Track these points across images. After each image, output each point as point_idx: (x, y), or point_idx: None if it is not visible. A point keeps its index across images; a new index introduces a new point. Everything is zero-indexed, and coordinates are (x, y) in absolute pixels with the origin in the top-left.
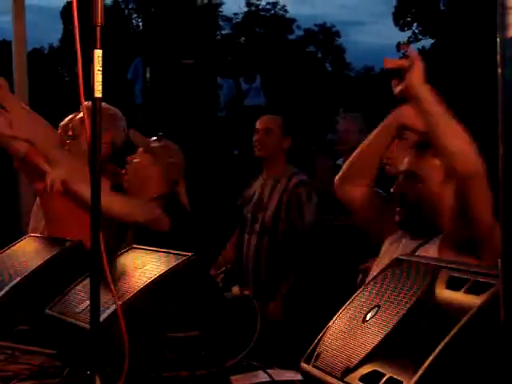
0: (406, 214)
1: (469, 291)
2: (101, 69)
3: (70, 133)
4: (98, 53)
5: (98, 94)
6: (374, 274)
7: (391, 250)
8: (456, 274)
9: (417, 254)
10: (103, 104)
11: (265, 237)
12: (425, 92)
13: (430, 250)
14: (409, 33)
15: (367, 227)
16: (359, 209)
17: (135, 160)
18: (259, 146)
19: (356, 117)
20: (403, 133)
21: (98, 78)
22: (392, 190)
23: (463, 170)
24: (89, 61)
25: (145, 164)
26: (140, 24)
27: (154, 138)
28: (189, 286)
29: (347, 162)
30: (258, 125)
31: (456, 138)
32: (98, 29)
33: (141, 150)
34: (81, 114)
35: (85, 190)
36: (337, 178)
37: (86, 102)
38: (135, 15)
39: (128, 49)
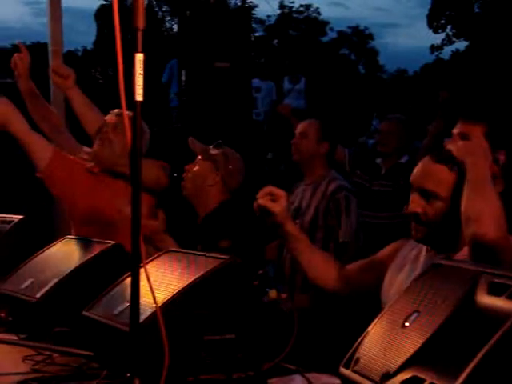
0: (425, 230)
1: (510, 297)
2: (142, 72)
3: (102, 135)
4: (140, 56)
5: (139, 97)
6: (389, 289)
7: (406, 262)
8: (497, 280)
9: None
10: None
11: None
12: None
13: None
14: (443, 35)
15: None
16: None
17: (195, 168)
18: (295, 150)
19: (400, 120)
20: (469, 135)
21: (139, 81)
22: (406, 208)
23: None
24: (124, 64)
25: (205, 172)
26: (173, 26)
27: (213, 145)
28: (226, 289)
29: None
30: (296, 129)
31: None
32: (140, 32)
33: (199, 157)
34: (110, 118)
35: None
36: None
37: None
38: (168, 18)
39: (162, 51)
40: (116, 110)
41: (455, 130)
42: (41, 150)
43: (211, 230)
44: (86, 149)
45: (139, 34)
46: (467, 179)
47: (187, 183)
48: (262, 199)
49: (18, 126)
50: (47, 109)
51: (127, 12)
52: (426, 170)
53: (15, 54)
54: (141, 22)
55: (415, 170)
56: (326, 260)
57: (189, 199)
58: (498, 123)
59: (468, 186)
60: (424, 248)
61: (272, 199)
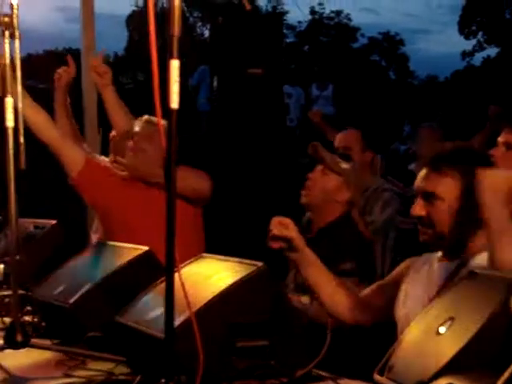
0: (432, 233)
1: None
2: (177, 79)
3: (131, 144)
4: (175, 63)
5: (175, 105)
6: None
7: (421, 275)
8: None
9: (460, 276)
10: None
11: None
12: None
13: None
14: (474, 41)
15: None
16: None
17: (328, 182)
18: None
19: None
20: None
21: (175, 88)
22: (411, 211)
23: None
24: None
25: (337, 188)
26: (205, 32)
27: (339, 156)
28: (259, 295)
29: None
30: (336, 143)
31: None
32: (175, 39)
33: (323, 167)
34: (142, 127)
35: None
36: None
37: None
38: (200, 23)
39: (193, 57)
40: (145, 117)
41: (501, 139)
42: (73, 158)
43: (328, 244)
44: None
45: (175, 41)
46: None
47: (312, 193)
48: (276, 229)
49: (51, 133)
50: (72, 124)
51: (158, 18)
52: (427, 174)
53: (62, 68)
54: (176, 29)
55: (419, 175)
56: (341, 292)
57: (307, 208)
58: None
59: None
60: (435, 259)
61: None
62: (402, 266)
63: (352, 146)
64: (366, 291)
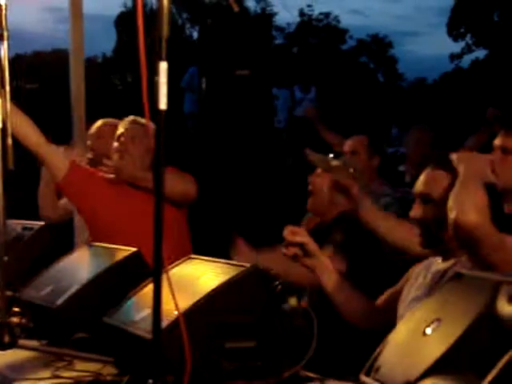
0: (428, 235)
1: None
2: (165, 81)
3: (116, 145)
4: (164, 65)
5: (163, 106)
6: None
7: (420, 279)
8: None
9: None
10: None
11: None
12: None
13: None
14: (462, 44)
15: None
16: None
17: (323, 182)
18: None
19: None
20: (507, 147)
21: (163, 89)
22: (410, 214)
23: None
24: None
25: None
26: (193, 34)
27: (331, 155)
28: (247, 297)
29: None
30: (345, 147)
31: None
32: (164, 41)
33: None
34: (128, 128)
35: None
36: None
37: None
38: (188, 25)
39: (181, 58)
40: (131, 118)
41: (497, 143)
42: (57, 163)
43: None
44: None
45: (163, 43)
46: (457, 179)
47: (313, 196)
48: (289, 237)
49: (34, 139)
50: None
51: (147, 19)
52: (424, 176)
53: None
54: (165, 31)
55: (418, 180)
56: (356, 298)
57: (313, 212)
58: None
59: (456, 183)
60: (434, 262)
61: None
62: (409, 272)
63: (358, 150)
64: (380, 298)
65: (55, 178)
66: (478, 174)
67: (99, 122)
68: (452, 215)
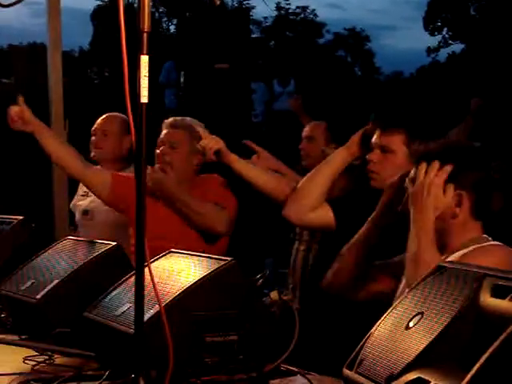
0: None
1: None
2: (147, 74)
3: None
4: (145, 58)
5: (144, 99)
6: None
7: None
8: (501, 282)
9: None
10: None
11: (313, 245)
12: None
13: None
14: (439, 37)
15: None
16: None
17: None
18: (304, 155)
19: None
20: (390, 146)
21: (144, 83)
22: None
23: None
24: (120, 65)
25: None
26: (170, 27)
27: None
28: (228, 290)
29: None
30: (303, 133)
31: None
32: (145, 35)
33: None
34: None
35: None
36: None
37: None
38: (165, 19)
39: (159, 52)
40: (170, 121)
41: (374, 141)
42: (101, 181)
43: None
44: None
45: (144, 36)
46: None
47: None
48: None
49: (74, 165)
50: None
51: (125, 13)
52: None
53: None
54: (146, 24)
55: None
56: None
57: None
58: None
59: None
60: None
61: None
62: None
63: (315, 135)
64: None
65: (101, 196)
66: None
67: (104, 117)
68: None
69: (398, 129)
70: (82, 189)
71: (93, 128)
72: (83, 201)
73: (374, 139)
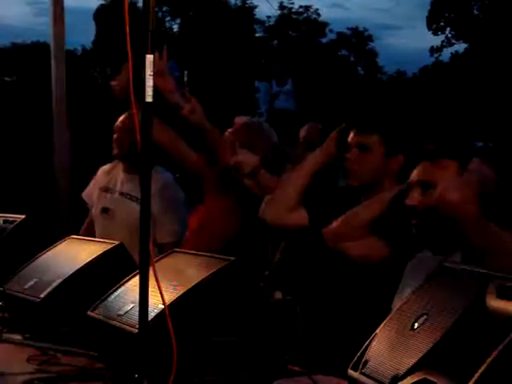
0: (422, 225)
1: None
2: (152, 73)
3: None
4: (150, 58)
5: (149, 98)
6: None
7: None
8: (507, 284)
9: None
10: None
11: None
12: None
13: None
14: (442, 37)
15: None
16: None
17: None
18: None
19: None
20: (367, 145)
21: (149, 82)
22: (406, 201)
23: None
24: (123, 64)
25: None
26: (173, 26)
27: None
28: (232, 291)
29: None
30: (300, 134)
31: None
32: (150, 34)
33: None
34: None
35: None
36: None
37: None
38: (168, 18)
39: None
40: (242, 121)
41: (351, 140)
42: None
43: None
44: None
45: (150, 36)
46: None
47: None
48: None
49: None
50: None
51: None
52: (425, 165)
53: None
54: (151, 24)
55: (414, 170)
56: None
57: None
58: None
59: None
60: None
61: None
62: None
63: (313, 138)
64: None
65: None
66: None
67: (126, 115)
68: (436, 193)
69: (374, 130)
70: (100, 181)
71: (115, 125)
72: (103, 197)
73: (350, 138)
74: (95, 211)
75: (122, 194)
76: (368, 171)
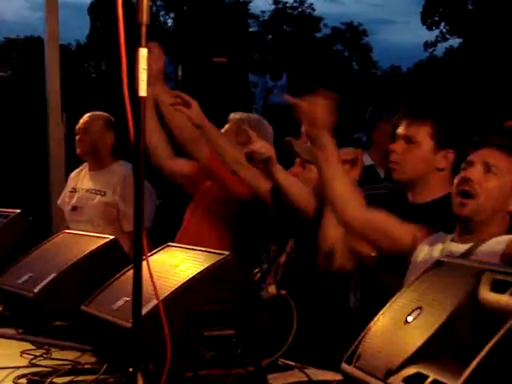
0: (473, 205)
1: None
2: (145, 67)
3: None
4: (143, 51)
5: (143, 93)
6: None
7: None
8: (500, 277)
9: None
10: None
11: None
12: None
13: (492, 257)
14: (436, 32)
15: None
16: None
17: (308, 173)
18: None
19: None
20: (414, 137)
21: (143, 76)
22: (462, 175)
23: None
24: (117, 59)
25: (315, 177)
26: (168, 21)
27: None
28: (226, 285)
29: None
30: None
31: None
32: (144, 27)
33: (298, 160)
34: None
35: None
36: None
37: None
38: (163, 12)
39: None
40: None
41: (400, 132)
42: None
43: None
44: None
45: (143, 29)
46: None
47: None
48: None
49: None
50: None
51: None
52: (492, 149)
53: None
54: (145, 17)
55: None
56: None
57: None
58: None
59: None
60: (448, 239)
61: None
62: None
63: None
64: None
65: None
66: None
67: (86, 116)
68: None
69: (426, 120)
70: (69, 185)
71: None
72: (71, 197)
73: (399, 129)
74: (67, 213)
75: (87, 190)
76: (413, 165)
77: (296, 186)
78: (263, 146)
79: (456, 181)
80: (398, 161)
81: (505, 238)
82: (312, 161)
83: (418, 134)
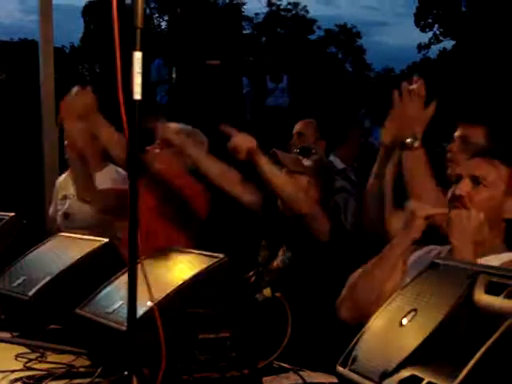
0: None
1: (509, 296)
2: (140, 71)
3: None
4: (138, 55)
5: (137, 96)
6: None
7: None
8: (495, 279)
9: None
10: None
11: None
12: None
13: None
14: (430, 34)
15: None
16: None
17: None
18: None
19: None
20: (467, 137)
21: (138, 80)
22: (453, 191)
23: None
24: (111, 62)
25: (303, 187)
26: (162, 23)
27: (301, 152)
28: (221, 287)
29: None
30: (294, 129)
31: None
32: (138, 31)
33: (284, 170)
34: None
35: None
36: None
37: None
38: (156, 15)
39: (150, 49)
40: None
41: (457, 133)
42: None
43: None
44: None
45: (138, 33)
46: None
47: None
48: None
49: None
50: None
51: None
52: (479, 160)
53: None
54: (140, 21)
55: (467, 162)
56: None
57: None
58: (498, 125)
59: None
60: (445, 250)
61: None
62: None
63: (304, 132)
64: None
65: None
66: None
67: None
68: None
69: (481, 123)
70: (60, 193)
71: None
72: (63, 205)
73: (456, 132)
74: (59, 220)
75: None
76: None
77: (281, 178)
78: (244, 138)
79: (448, 197)
80: (453, 159)
81: (504, 256)
82: (298, 170)
83: (474, 135)
